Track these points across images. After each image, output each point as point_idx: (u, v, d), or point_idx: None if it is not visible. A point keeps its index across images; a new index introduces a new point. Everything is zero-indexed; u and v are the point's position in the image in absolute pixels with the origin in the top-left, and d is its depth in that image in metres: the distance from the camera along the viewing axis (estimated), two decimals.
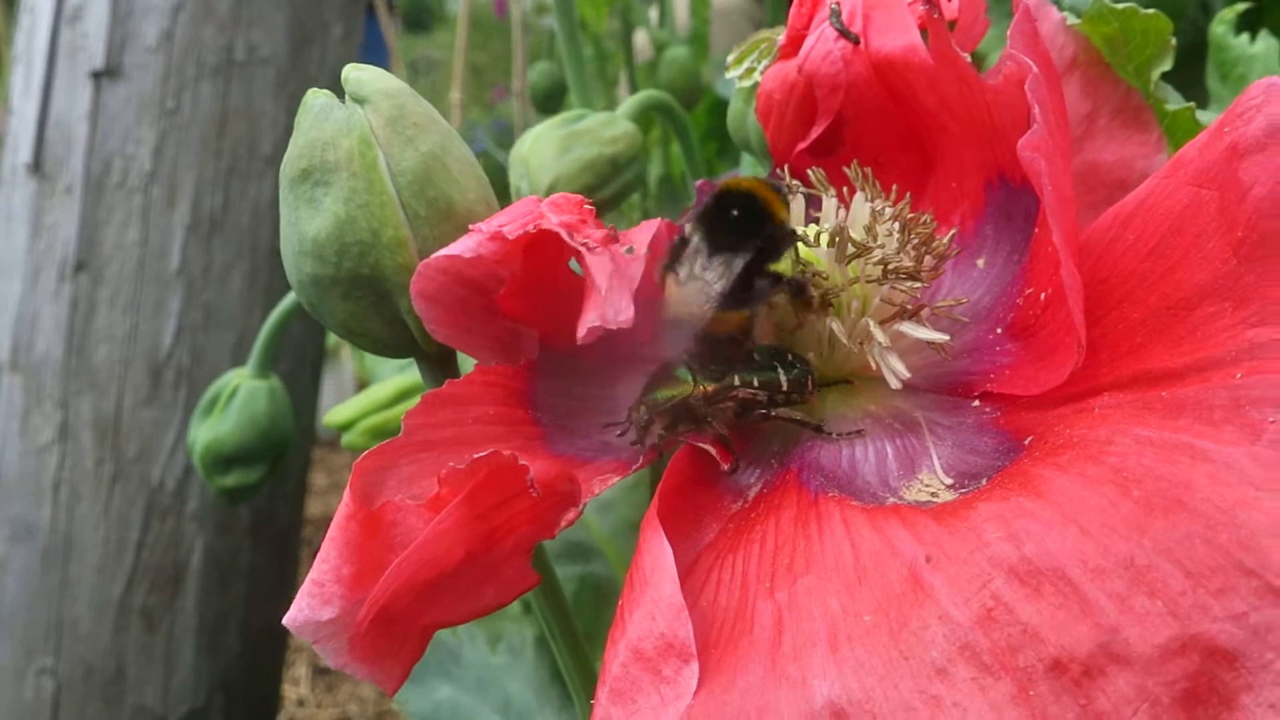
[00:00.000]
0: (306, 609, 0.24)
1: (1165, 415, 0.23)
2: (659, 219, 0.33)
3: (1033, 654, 0.20)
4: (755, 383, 0.29)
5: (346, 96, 0.31)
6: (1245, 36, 0.52)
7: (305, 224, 0.31)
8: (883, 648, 0.21)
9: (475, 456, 0.24)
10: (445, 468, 0.24)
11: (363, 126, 0.30)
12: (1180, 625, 0.19)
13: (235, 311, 0.98)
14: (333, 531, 0.25)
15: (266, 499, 1.05)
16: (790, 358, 0.30)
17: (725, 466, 0.29)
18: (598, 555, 0.75)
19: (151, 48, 0.94)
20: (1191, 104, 0.35)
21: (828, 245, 0.30)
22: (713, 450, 0.29)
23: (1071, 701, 0.19)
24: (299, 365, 1.05)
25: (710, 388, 0.29)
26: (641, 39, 1.37)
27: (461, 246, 0.28)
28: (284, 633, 1.14)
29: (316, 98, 0.31)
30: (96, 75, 0.94)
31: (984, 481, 0.26)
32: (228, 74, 0.96)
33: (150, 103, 0.94)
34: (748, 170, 0.64)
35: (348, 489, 0.25)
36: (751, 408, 0.29)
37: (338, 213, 0.30)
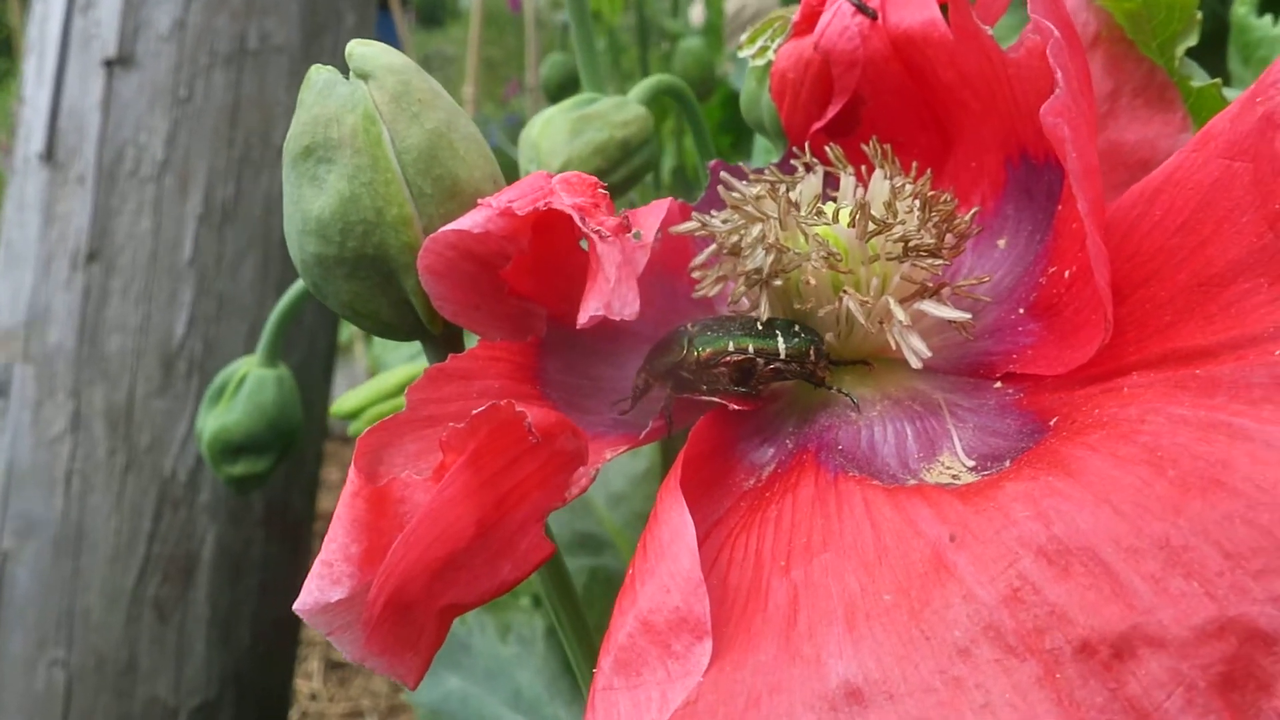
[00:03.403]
0: (316, 591, 0.24)
1: (1200, 394, 0.22)
2: (669, 199, 0.32)
3: (1060, 635, 0.19)
4: (750, 348, 0.29)
5: (350, 72, 0.30)
6: (1268, 18, 0.51)
7: (308, 202, 0.30)
8: (903, 627, 0.20)
9: (474, 412, 0.23)
10: (446, 430, 0.23)
11: (367, 102, 0.30)
12: (1218, 607, 0.18)
13: (247, 302, 0.98)
14: (339, 510, 0.24)
15: (280, 490, 1.05)
16: (796, 328, 0.29)
17: (735, 408, 0.28)
18: (609, 548, 0.75)
19: (164, 36, 0.94)
20: (1218, 80, 0.34)
21: (848, 223, 0.30)
22: (720, 401, 0.28)
23: (1100, 685, 0.19)
24: (311, 357, 1.05)
25: (705, 353, 0.29)
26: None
27: (470, 221, 0.27)
28: (296, 625, 1.14)
29: (320, 73, 0.31)
30: (109, 64, 0.94)
31: (1008, 463, 0.25)
32: (240, 63, 0.96)
33: (163, 91, 0.94)
34: (760, 158, 0.63)
35: (352, 466, 0.24)
36: (748, 374, 0.29)
37: (341, 191, 0.30)
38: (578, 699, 0.60)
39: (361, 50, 0.30)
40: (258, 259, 0.98)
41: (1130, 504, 0.20)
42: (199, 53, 0.94)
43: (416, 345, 0.70)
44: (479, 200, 0.28)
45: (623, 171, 0.48)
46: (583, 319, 0.25)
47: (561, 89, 1.33)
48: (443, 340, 0.33)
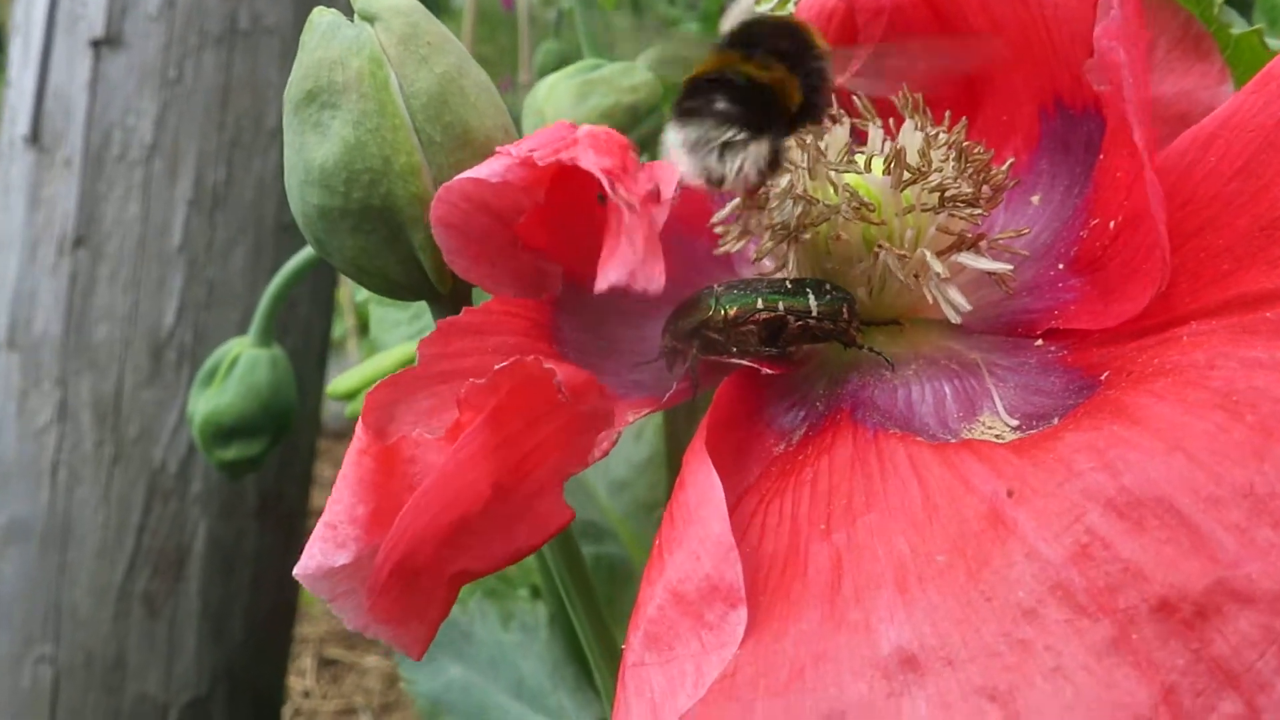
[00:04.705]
0: (319, 554, 0.22)
1: (1273, 336, 0.21)
2: None
3: (1136, 594, 0.18)
4: (780, 306, 0.27)
5: (355, 14, 0.29)
6: None
7: (311, 151, 0.28)
8: (960, 589, 0.19)
9: (497, 367, 0.21)
10: (465, 386, 0.21)
11: (373, 45, 0.28)
12: None
13: (239, 289, 0.96)
14: (345, 469, 0.22)
15: (273, 480, 1.03)
16: (827, 286, 0.28)
17: (766, 371, 0.27)
18: (612, 536, 0.73)
19: (153, 16, 0.92)
20: (1259, 27, 0.33)
21: (881, 172, 0.28)
22: (748, 363, 0.27)
23: (1182, 645, 0.17)
24: (306, 344, 1.03)
25: (732, 311, 0.27)
26: None
27: (487, 170, 0.25)
28: (290, 619, 1.12)
29: (323, 15, 0.29)
30: (96, 44, 0.92)
31: (1055, 421, 0.24)
32: (231, 43, 0.94)
33: (151, 73, 0.92)
34: None
35: (360, 423, 0.23)
36: (778, 334, 0.27)
37: (346, 138, 0.28)
38: (582, 687, 0.59)
39: None
40: (249, 245, 0.96)
41: (1207, 451, 0.19)
42: (189, 33, 0.92)
43: (415, 326, 0.69)
44: (496, 149, 0.26)
45: (631, 137, 0.47)
46: (601, 285, 0.23)
47: None
48: (450, 300, 0.31)
